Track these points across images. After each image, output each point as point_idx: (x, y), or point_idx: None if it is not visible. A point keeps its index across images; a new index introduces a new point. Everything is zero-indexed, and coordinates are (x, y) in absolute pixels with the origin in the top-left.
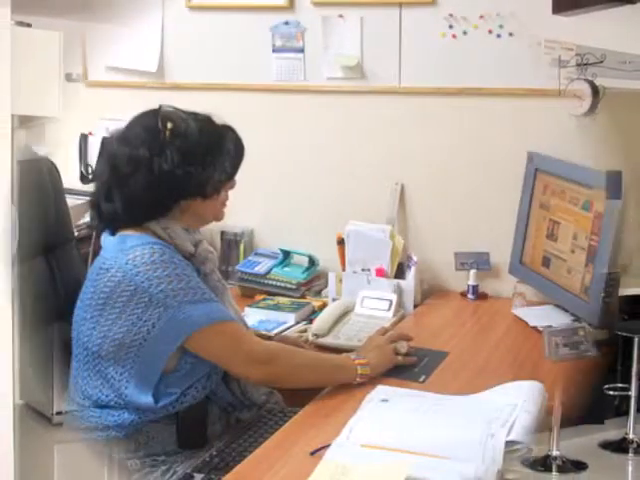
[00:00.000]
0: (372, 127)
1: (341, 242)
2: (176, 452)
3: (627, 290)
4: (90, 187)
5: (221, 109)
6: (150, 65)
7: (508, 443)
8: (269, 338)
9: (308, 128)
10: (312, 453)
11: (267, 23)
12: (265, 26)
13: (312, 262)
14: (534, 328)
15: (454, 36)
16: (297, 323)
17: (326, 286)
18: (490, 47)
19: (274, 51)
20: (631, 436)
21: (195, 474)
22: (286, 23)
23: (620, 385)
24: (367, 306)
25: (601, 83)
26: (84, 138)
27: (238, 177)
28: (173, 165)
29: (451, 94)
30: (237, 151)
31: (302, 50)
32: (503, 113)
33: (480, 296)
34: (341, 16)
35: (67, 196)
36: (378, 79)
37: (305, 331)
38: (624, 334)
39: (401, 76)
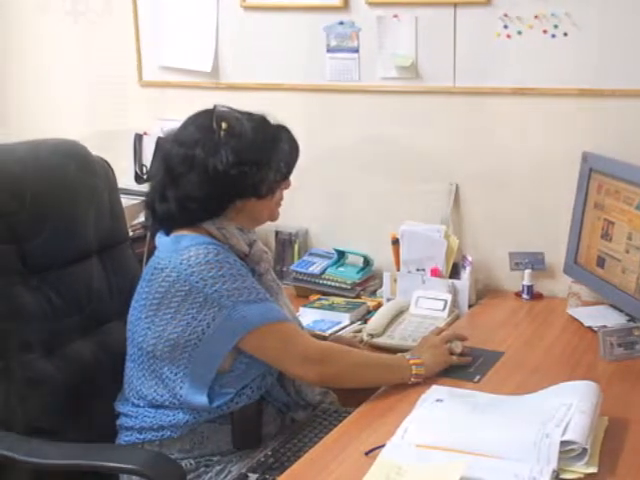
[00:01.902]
0: (426, 127)
1: (396, 242)
2: (231, 452)
3: None
4: (145, 187)
5: (275, 109)
6: (205, 65)
7: (563, 443)
8: (324, 338)
9: (362, 128)
10: (367, 453)
11: (321, 23)
12: (319, 26)
13: (367, 262)
14: (589, 328)
15: (509, 36)
16: (352, 323)
17: (381, 286)
18: (545, 47)
19: (328, 51)
20: None
21: (250, 474)
22: (341, 23)
23: None
24: (422, 306)
25: None
26: (139, 138)
27: (292, 177)
28: (228, 165)
29: (505, 94)
30: (292, 151)
31: (357, 50)
32: (558, 113)
33: (535, 296)
34: (396, 16)
35: (122, 196)
36: (433, 79)
37: (360, 331)
38: None
39: (455, 76)
